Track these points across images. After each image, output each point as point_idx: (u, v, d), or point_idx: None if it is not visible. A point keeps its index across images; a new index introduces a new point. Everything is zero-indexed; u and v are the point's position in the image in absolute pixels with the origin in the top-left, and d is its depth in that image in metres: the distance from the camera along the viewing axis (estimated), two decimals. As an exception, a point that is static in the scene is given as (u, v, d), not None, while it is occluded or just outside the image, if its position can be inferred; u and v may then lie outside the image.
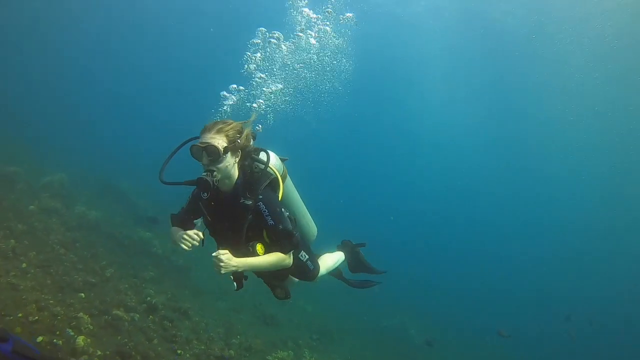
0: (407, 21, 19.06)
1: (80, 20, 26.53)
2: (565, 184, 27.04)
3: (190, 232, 2.63)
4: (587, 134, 22.23)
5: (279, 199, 2.88)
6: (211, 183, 2.55)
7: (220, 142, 2.59)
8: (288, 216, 2.84)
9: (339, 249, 4.33)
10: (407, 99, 27.66)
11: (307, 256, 3.35)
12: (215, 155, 2.56)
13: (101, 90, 31.93)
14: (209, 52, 26.60)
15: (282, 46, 7.15)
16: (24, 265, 6.58)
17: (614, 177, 23.86)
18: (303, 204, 3.52)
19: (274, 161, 2.98)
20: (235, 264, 2.60)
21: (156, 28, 27.07)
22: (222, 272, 2.56)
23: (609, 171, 23.59)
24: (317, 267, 3.53)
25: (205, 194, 2.65)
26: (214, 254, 2.55)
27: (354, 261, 4.33)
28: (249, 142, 2.80)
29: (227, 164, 2.64)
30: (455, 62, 21.30)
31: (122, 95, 33.39)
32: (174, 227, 2.95)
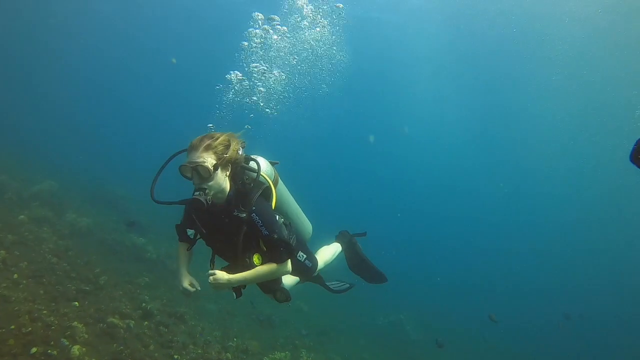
0: (397, 20, 19.08)
1: (68, 21, 26.05)
2: (562, 180, 27.25)
3: (187, 285, 2.94)
4: (586, 132, 22.44)
5: (273, 206, 2.86)
6: (205, 202, 2.52)
7: (209, 159, 2.54)
8: (283, 222, 2.83)
9: (337, 239, 4.33)
10: (399, 98, 27.72)
11: (304, 255, 3.37)
12: (205, 174, 2.53)
13: (91, 92, 31.54)
14: (203, 49, 26.28)
15: (279, 28, 7.13)
16: (15, 276, 6.49)
17: (613, 174, 24.00)
18: (296, 203, 3.53)
19: (265, 167, 2.96)
20: (227, 281, 2.70)
21: (150, 27, 26.70)
22: (216, 291, 2.78)
23: (609, 169, 23.71)
24: (315, 263, 3.58)
25: None
26: (207, 273, 2.70)
27: (350, 254, 4.30)
28: (238, 153, 2.75)
29: (219, 179, 2.61)
30: (450, 60, 21.35)
31: (112, 96, 33.02)
32: (180, 243, 3.11)
